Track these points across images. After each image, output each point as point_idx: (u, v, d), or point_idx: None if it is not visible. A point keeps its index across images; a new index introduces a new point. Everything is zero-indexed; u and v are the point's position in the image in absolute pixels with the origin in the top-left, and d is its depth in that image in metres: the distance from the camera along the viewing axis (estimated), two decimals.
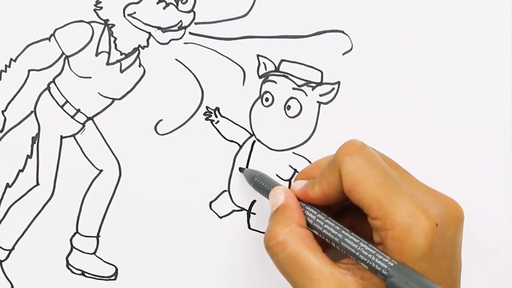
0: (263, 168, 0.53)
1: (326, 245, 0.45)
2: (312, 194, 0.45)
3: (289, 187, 0.53)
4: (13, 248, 0.54)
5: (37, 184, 0.54)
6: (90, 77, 0.53)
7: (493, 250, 0.53)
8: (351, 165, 0.43)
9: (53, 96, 0.53)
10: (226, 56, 0.53)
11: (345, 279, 0.42)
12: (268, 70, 0.53)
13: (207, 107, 0.53)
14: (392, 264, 0.40)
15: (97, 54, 0.53)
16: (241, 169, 0.52)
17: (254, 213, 0.53)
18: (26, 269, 0.54)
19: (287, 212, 0.45)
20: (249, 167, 0.53)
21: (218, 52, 0.53)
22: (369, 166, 0.43)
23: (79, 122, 0.53)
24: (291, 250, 0.43)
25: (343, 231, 0.43)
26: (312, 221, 0.45)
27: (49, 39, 0.53)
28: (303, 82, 0.53)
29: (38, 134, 0.53)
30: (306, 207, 0.46)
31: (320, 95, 0.53)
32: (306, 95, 0.53)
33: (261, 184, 0.49)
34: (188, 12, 0.53)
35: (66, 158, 0.54)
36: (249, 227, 0.53)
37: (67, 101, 0.53)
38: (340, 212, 0.47)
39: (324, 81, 0.53)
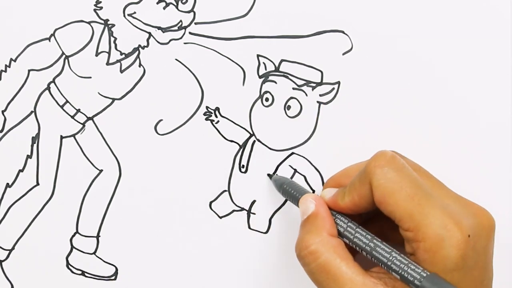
0: (263, 168, 0.53)
1: (356, 252, 0.45)
2: (343, 204, 0.45)
3: None
4: (13, 248, 0.54)
5: (37, 184, 0.54)
6: (90, 77, 0.53)
7: None
8: (382, 177, 0.43)
9: (53, 96, 0.53)
10: (226, 56, 0.53)
11: None
12: (268, 70, 0.53)
13: (207, 107, 0.53)
14: (424, 275, 0.40)
15: (97, 54, 0.53)
16: (270, 176, 0.52)
17: (254, 213, 0.53)
18: (26, 269, 0.54)
19: (318, 221, 0.45)
20: (249, 167, 0.53)
21: (218, 52, 0.53)
22: (400, 178, 0.43)
23: (79, 122, 0.53)
24: (323, 260, 0.43)
25: (374, 240, 0.43)
26: (343, 229, 0.45)
27: (49, 39, 0.53)
28: (303, 82, 0.53)
29: (38, 134, 0.53)
30: (336, 215, 0.46)
31: (320, 95, 0.53)
32: (306, 95, 0.53)
33: (291, 191, 0.49)
34: (188, 12, 0.53)
35: (66, 158, 0.54)
36: (249, 227, 0.53)
37: (67, 101, 0.53)
38: (370, 219, 0.47)
39: (324, 81, 0.53)
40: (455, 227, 0.41)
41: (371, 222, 0.47)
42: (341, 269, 0.43)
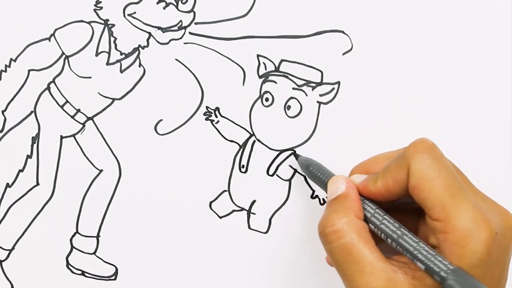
0: (263, 168, 0.53)
1: (378, 241, 0.44)
2: (374, 188, 0.45)
3: (289, 187, 0.53)
4: (13, 248, 0.54)
5: (37, 184, 0.54)
6: (90, 77, 0.53)
7: None
8: (421, 162, 0.43)
9: (53, 96, 0.53)
10: (226, 56, 0.53)
11: (396, 276, 0.42)
12: (268, 70, 0.53)
13: (207, 107, 0.53)
14: (451, 267, 0.40)
15: (97, 54, 0.53)
16: (296, 156, 0.52)
17: (254, 213, 0.53)
18: (26, 269, 0.54)
19: (347, 202, 0.45)
20: (249, 167, 0.53)
21: (218, 52, 0.53)
22: (438, 166, 0.43)
23: (79, 122, 0.53)
24: (346, 240, 0.43)
25: (402, 229, 0.43)
26: (370, 215, 0.45)
27: (49, 39, 0.53)
28: (303, 82, 0.53)
29: (38, 134, 0.53)
30: (365, 200, 0.46)
31: (320, 95, 0.53)
32: (306, 95, 0.53)
33: (317, 174, 0.49)
34: (188, 12, 0.53)
35: (66, 158, 0.54)
36: (249, 227, 0.53)
37: (67, 101, 0.53)
38: (391, 211, 0.47)
39: (324, 81, 0.53)
40: (484, 223, 0.41)
41: (392, 213, 0.47)
42: (364, 252, 0.42)
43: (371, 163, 0.49)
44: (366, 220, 0.45)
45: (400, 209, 0.45)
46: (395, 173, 0.44)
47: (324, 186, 0.48)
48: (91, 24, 0.53)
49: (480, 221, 0.41)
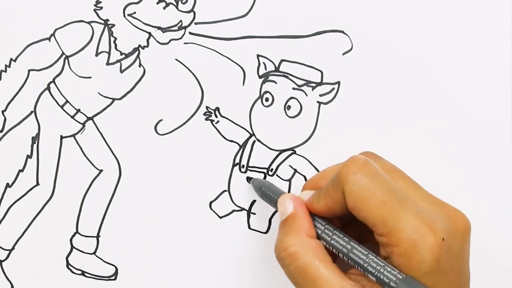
0: (263, 167, 0.53)
1: (335, 256, 0.45)
2: (318, 207, 0.45)
3: (289, 187, 0.53)
4: (13, 248, 0.54)
5: (37, 184, 0.54)
6: (90, 77, 0.53)
7: (495, 256, 0.53)
8: (354, 184, 0.43)
9: (53, 96, 0.53)
10: (226, 56, 0.53)
11: None
12: (268, 70, 0.53)
13: (207, 107, 0.53)
14: (400, 277, 0.40)
15: (97, 54, 0.53)
16: (248, 179, 0.52)
17: (254, 213, 0.53)
18: (26, 269, 0.54)
19: (296, 223, 0.45)
20: (249, 166, 0.53)
21: (218, 52, 0.53)
22: (373, 184, 0.43)
23: (79, 122, 0.53)
24: (301, 262, 0.43)
25: (351, 243, 0.43)
26: (320, 231, 0.45)
27: (49, 39, 0.53)
28: (303, 82, 0.53)
29: (38, 134, 0.53)
30: (315, 217, 0.46)
31: (320, 95, 0.53)
32: (306, 95, 0.53)
33: (269, 194, 0.49)
34: (188, 12, 0.53)
35: (66, 158, 0.54)
36: (249, 227, 0.53)
37: (67, 101, 0.53)
38: (350, 222, 0.47)
39: (324, 81, 0.53)
40: (428, 231, 0.41)
41: (351, 224, 0.47)
42: (319, 271, 0.43)
43: (319, 178, 0.49)
44: (318, 237, 0.45)
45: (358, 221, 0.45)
46: (333, 195, 0.44)
47: (275, 206, 0.48)
48: (91, 24, 0.53)
49: (424, 230, 0.41)
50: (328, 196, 0.45)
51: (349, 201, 0.43)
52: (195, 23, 0.53)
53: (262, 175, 0.52)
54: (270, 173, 0.53)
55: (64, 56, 0.53)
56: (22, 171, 0.54)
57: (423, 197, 0.45)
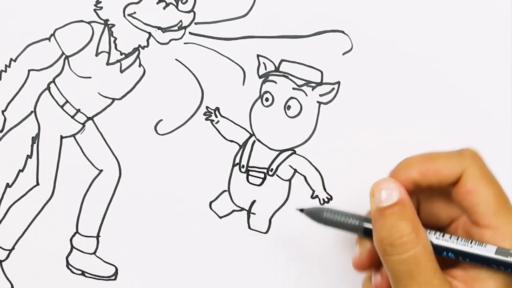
0: (263, 167, 0.53)
1: None
2: (416, 172, 0.45)
3: (289, 187, 0.53)
4: (13, 248, 0.54)
5: (37, 184, 0.54)
6: (90, 77, 0.53)
7: None
8: (480, 168, 0.43)
9: (53, 96, 0.53)
10: (226, 56, 0.53)
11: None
12: (268, 70, 0.53)
13: (207, 107, 0.53)
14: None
15: (97, 54, 0.53)
16: (301, 210, 0.49)
17: (254, 213, 0.53)
18: (26, 269, 0.54)
19: (407, 210, 0.43)
20: (249, 166, 0.53)
21: (218, 52, 0.53)
22: (492, 176, 0.44)
23: (79, 122, 0.53)
24: (416, 251, 0.42)
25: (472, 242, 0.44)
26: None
27: (49, 39, 0.53)
28: (303, 82, 0.53)
29: (38, 134, 0.53)
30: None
31: (320, 95, 0.53)
32: (306, 95, 0.53)
33: (338, 215, 0.47)
34: (188, 12, 0.53)
35: (66, 158, 0.54)
36: (249, 227, 0.53)
37: (67, 101, 0.53)
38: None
39: (324, 81, 0.53)
40: None
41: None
42: (431, 263, 0.42)
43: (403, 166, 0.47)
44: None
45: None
46: (446, 167, 0.44)
47: (350, 227, 0.46)
48: (91, 24, 0.53)
49: None
50: (437, 166, 0.44)
51: (468, 182, 0.43)
52: (195, 23, 0.53)
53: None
54: (270, 173, 0.53)
55: (64, 56, 0.53)
56: (22, 171, 0.54)
57: None
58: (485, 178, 0.43)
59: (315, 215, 0.47)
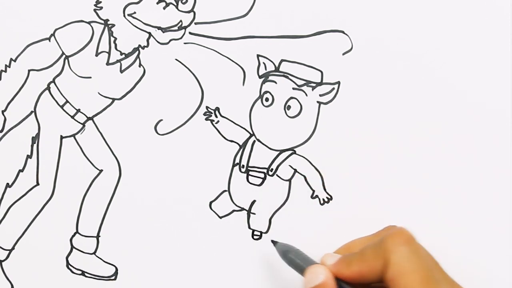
0: (263, 167, 0.53)
1: None
2: (348, 272, 0.46)
3: (289, 187, 0.53)
4: (13, 248, 0.54)
5: (37, 184, 0.54)
6: (90, 77, 0.53)
7: (495, 258, 0.53)
8: (401, 256, 0.43)
9: (53, 96, 0.53)
10: (226, 56, 0.53)
11: None
12: (268, 70, 0.53)
13: (207, 107, 0.53)
14: None
15: (97, 54, 0.53)
16: (274, 242, 0.51)
17: (254, 213, 0.53)
18: (26, 269, 0.54)
19: None
20: (249, 166, 0.53)
21: (218, 52, 0.53)
22: (417, 260, 0.44)
23: (79, 122, 0.53)
24: None
25: None
26: None
27: (49, 39, 0.53)
28: (303, 82, 0.53)
29: (38, 134, 0.54)
30: (340, 282, 0.46)
31: (320, 95, 0.53)
32: (306, 95, 0.53)
33: (296, 261, 0.49)
34: (188, 12, 0.53)
35: (66, 158, 0.54)
36: (249, 227, 0.53)
37: (67, 101, 0.53)
38: None
39: (324, 81, 0.53)
40: None
41: None
42: None
43: (345, 249, 0.49)
44: None
45: None
46: (372, 262, 0.45)
47: (301, 272, 0.48)
48: (91, 24, 0.53)
49: None
50: (365, 262, 0.45)
51: (390, 272, 0.43)
52: (195, 23, 0.53)
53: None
54: (270, 173, 0.53)
55: (64, 56, 0.53)
56: (22, 171, 0.54)
57: (450, 284, 0.45)
58: (408, 264, 0.43)
59: (282, 251, 0.50)
